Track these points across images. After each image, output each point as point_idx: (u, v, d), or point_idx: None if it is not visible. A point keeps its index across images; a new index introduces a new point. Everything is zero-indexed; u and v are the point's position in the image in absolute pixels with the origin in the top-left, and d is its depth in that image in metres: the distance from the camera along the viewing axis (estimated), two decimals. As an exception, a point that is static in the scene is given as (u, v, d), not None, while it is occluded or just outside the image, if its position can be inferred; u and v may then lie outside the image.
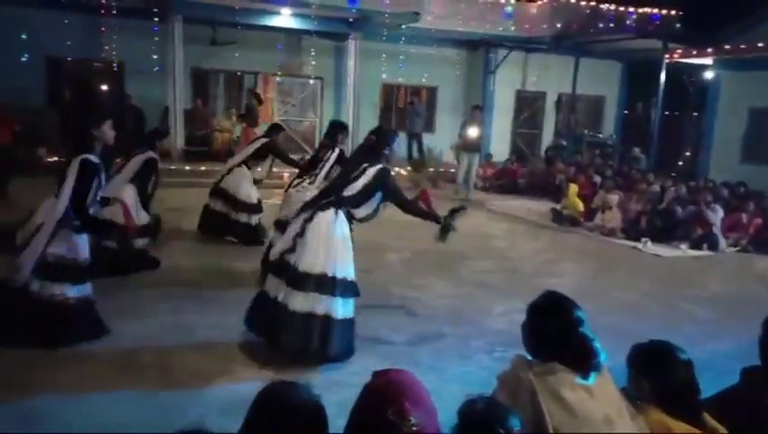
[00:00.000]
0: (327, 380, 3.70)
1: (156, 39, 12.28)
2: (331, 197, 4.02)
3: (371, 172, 4.00)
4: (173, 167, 11.72)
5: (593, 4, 14.55)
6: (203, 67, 13.86)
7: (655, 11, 14.82)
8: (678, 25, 14.80)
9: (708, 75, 14.22)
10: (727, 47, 12.97)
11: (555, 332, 1.90)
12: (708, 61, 13.79)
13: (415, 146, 14.26)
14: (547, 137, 16.48)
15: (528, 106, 16.43)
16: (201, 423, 1.43)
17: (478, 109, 12.14)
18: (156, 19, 12.07)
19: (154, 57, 12.33)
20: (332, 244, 3.85)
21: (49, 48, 12.46)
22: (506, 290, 5.99)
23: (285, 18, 12.40)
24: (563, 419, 1.75)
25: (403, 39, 14.10)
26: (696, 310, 5.83)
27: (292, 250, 3.91)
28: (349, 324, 3.99)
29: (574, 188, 10.42)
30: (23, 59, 12.04)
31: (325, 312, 3.83)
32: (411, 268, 6.57)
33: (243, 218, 7.07)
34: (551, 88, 16.20)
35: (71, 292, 3.98)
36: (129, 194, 5.51)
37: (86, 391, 3.44)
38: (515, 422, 1.45)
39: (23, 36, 11.91)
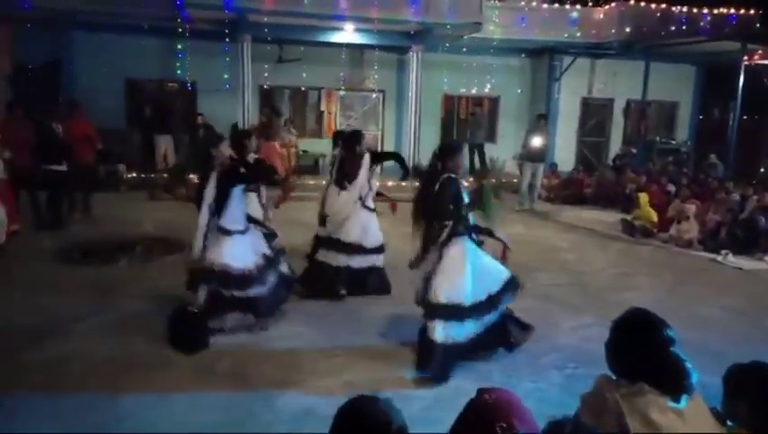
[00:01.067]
0: (397, 394, 3.71)
1: (227, 59, 12.80)
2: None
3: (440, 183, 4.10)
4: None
5: (663, 6, 14.00)
6: (270, 84, 14.32)
7: (732, 11, 14.09)
8: (757, 25, 14.01)
9: (793, 76, 13.36)
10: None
11: (643, 351, 1.82)
12: (792, 61, 12.97)
13: (477, 157, 14.12)
14: (615, 145, 15.93)
15: (594, 113, 15.96)
16: None
17: (542, 118, 11.90)
18: (227, 39, 12.59)
19: (225, 76, 12.84)
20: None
21: (128, 70, 13.26)
22: (576, 304, 5.81)
23: (348, 34, 12.64)
24: (653, 442, 1.67)
25: (464, 49, 14.05)
26: (785, 328, 5.45)
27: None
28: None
29: (645, 197, 10.00)
30: (105, 80, 12.87)
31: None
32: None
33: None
34: (619, 94, 15.68)
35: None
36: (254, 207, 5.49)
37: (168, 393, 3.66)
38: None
39: (105, 59, 12.72)
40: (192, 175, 11.84)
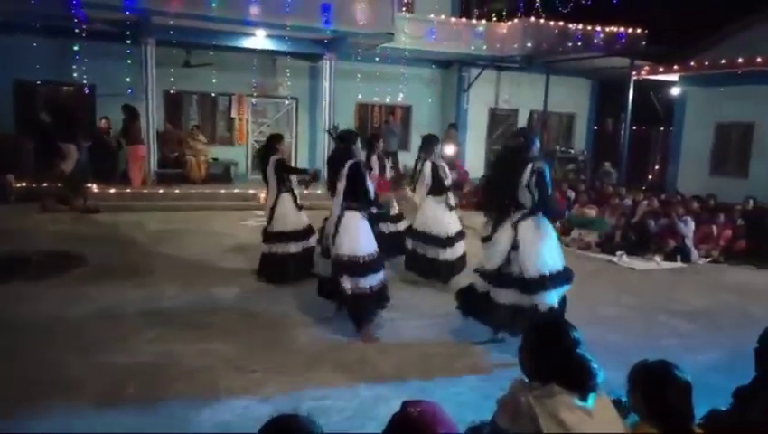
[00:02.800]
0: (317, 407, 3.67)
1: (129, 62, 12.14)
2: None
3: (528, 171, 4.54)
4: (145, 191, 11.58)
5: (561, 24, 14.91)
6: (177, 89, 13.77)
7: (621, 29, 15.26)
8: (643, 43, 15.26)
9: (675, 91, 14.65)
10: (692, 64, 13.41)
11: (552, 353, 1.91)
12: (674, 77, 14.23)
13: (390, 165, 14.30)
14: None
15: (501, 123, 16.68)
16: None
17: (453, 127, 12.28)
18: (129, 42, 11.95)
19: (127, 80, 12.18)
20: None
21: (17, 71, 12.25)
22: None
23: (259, 40, 12.41)
24: (564, 441, 1.75)
25: (377, 59, 14.23)
26: (674, 322, 5.93)
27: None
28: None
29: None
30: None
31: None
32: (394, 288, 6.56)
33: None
34: (523, 105, 16.50)
35: None
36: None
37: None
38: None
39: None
40: (90, 185, 11.13)
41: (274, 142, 6.69)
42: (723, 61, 12.48)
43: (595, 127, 17.88)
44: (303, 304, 5.70)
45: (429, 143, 6.81)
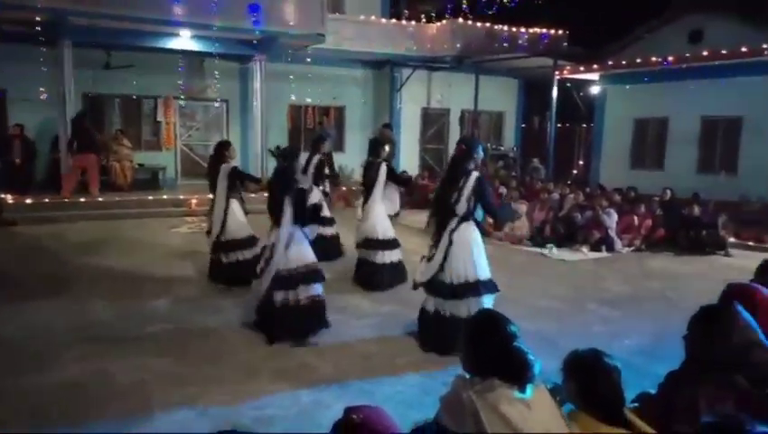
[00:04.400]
0: (257, 419, 3.59)
1: (44, 65, 11.44)
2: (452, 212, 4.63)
3: (471, 181, 4.57)
4: (66, 200, 10.95)
5: (488, 25, 15.31)
6: (97, 92, 13.12)
7: (544, 31, 15.84)
8: (565, 44, 15.92)
9: (595, 89, 15.37)
10: (610, 63, 14.12)
11: (491, 348, 1.95)
12: (595, 76, 14.92)
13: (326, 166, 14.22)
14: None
15: (433, 122, 16.95)
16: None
17: (387, 127, 12.35)
18: (44, 43, 11.25)
19: (42, 84, 11.47)
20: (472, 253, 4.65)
21: None
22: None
23: (184, 40, 12.02)
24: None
25: (309, 60, 14.11)
26: (601, 310, 6.22)
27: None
28: None
29: (483, 200, 10.80)
30: None
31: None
32: (332, 290, 6.52)
33: None
34: (455, 104, 16.83)
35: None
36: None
37: None
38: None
39: None
40: (4, 195, 10.42)
41: (222, 149, 6.64)
42: (638, 60, 13.21)
43: (523, 125, 18.49)
44: (240, 313, 5.56)
45: (377, 145, 6.82)
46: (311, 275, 4.95)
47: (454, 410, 1.91)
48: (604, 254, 9.09)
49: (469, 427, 1.84)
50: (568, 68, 14.82)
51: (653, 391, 2.53)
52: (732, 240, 9.73)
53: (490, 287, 4.72)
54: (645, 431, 2.04)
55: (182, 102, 14.05)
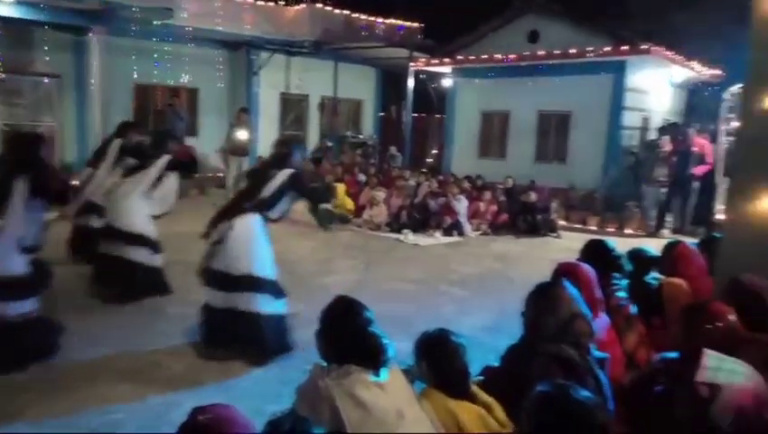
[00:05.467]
0: (106, 421, 3.32)
1: None
2: (246, 202, 4.39)
3: (282, 176, 4.39)
4: None
5: (347, 12, 15.39)
6: None
7: (400, 22, 16.31)
8: (420, 36, 16.52)
9: (447, 82, 16.17)
10: (459, 58, 14.94)
11: (346, 334, 1.99)
12: (447, 69, 15.69)
13: (178, 151, 13.41)
14: (313, 139, 17.01)
15: (293, 108, 16.72)
16: None
17: (244, 112, 11.95)
18: None
19: None
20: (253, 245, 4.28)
21: None
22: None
23: (7, 6, 10.55)
24: (361, 419, 1.83)
25: (156, 36, 13.14)
26: (452, 291, 6.62)
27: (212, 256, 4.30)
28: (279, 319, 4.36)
29: (342, 187, 10.95)
30: None
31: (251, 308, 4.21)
32: (186, 279, 6.20)
33: None
34: (314, 91, 16.73)
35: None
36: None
37: None
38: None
39: None
40: None
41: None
42: (484, 57, 14.14)
43: (382, 114, 18.96)
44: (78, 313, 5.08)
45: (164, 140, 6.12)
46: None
47: (311, 399, 1.92)
48: (454, 238, 9.67)
49: (325, 414, 1.86)
50: (423, 60, 15.42)
51: (497, 364, 2.75)
52: (562, 223, 10.89)
53: (269, 287, 4.28)
54: (486, 401, 2.22)
55: (2, 76, 12.35)
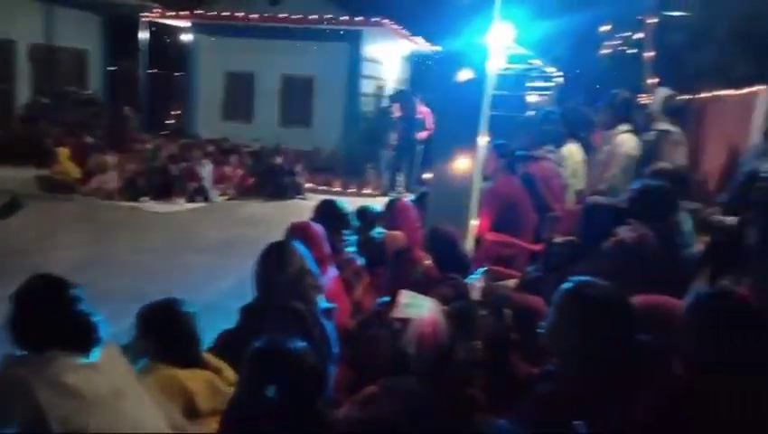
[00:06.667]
0: None
1: None
2: None
3: None
4: None
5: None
6: None
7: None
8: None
9: (188, 37, 15.12)
10: (199, 12, 14.07)
11: (46, 317, 1.76)
12: (186, 23, 14.65)
13: None
14: (24, 94, 14.41)
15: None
16: None
17: None
18: None
19: None
20: None
21: None
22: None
23: None
24: (69, 407, 1.66)
25: None
26: (197, 258, 6.40)
27: None
28: None
29: (65, 152, 9.62)
30: None
31: None
32: None
33: None
34: (22, 36, 14.08)
35: None
36: None
37: None
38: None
39: None
40: None
41: None
42: (225, 14, 13.57)
43: (111, 69, 16.92)
44: None
45: None
46: None
47: (5, 394, 1.67)
48: (200, 204, 9.31)
49: (30, 410, 1.63)
50: (158, 11, 14.14)
51: (232, 328, 2.75)
52: (309, 185, 11.28)
53: None
54: (218, 366, 2.21)
55: None
